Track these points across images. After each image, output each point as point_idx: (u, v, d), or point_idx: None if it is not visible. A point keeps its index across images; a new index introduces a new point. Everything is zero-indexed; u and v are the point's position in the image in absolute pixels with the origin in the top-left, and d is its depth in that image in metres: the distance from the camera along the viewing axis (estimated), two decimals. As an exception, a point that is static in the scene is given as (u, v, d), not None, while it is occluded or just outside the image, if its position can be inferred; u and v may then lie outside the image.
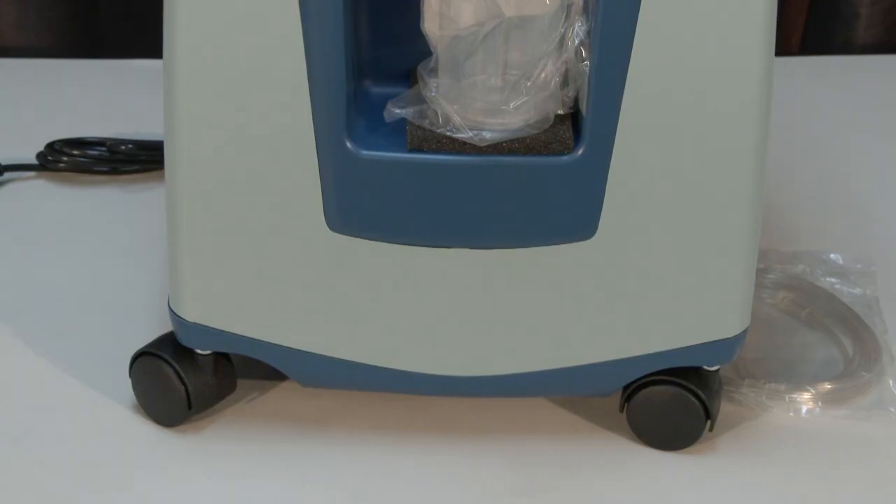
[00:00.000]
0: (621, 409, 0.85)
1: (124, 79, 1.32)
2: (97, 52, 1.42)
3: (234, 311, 0.82)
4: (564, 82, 0.77)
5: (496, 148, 0.77)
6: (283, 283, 0.81)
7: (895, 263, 1.04)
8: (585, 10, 0.76)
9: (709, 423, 0.84)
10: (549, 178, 0.77)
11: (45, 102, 1.28)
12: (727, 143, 0.77)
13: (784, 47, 1.46)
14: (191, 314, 0.83)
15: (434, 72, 0.78)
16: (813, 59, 1.41)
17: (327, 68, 0.75)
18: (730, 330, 0.82)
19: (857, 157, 1.21)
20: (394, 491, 0.82)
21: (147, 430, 0.86)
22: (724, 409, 0.87)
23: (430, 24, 0.77)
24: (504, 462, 0.84)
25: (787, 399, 0.88)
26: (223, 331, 0.83)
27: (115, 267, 1.03)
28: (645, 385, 0.84)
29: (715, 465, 0.84)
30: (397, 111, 0.78)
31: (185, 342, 0.84)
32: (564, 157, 0.77)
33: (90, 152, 1.15)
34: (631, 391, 0.84)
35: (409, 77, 0.82)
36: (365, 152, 0.77)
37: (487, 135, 0.77)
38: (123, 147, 1.14)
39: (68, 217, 1.10)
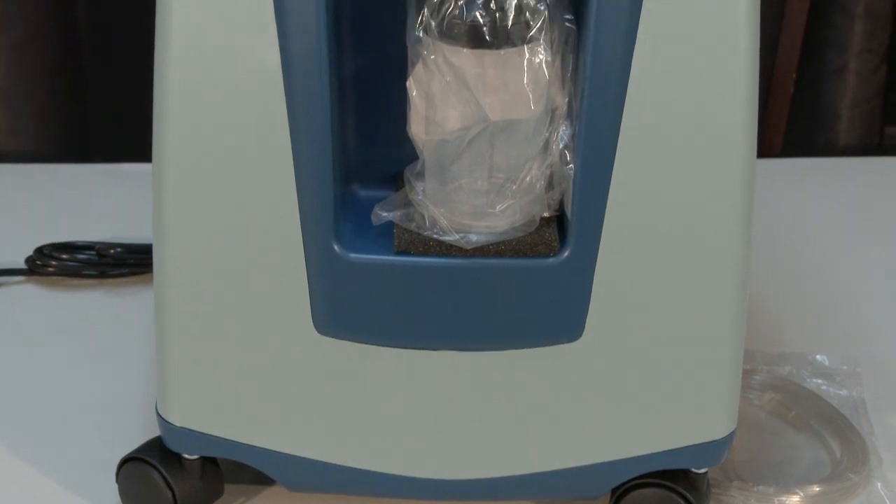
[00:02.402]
0: (610, 512, 0.85)
1: (114, 183, 1.33)
2: (87, 156, 1.43)
3: (222, 415, 0.82)
4: (549, 185, 0.78)
5: (482, 250, 0.77)
6: (271, 386, 0.81)
7: (881, 364, 1.04)
8: (569, 114, 0.77)
9: (698, 525, 0.84)
10: (536, 281, 0.78)
11: (34, 207, 1.28)
12: (711, 245, 0.78)
13: (766, 149, 1.48)
14: (178, 419, 0.83)
15: (420, 175, 0.78)
16: (795, 160, 1.43)
17: (315, 172, 0.76)
18: (717, 432, 0.82)
19: (841, 258, 1.22)
20: None
21: (133, 535, 0.86)
22: (713, 511, 0.86)
23: (417, 129, 0.78)
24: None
25: (775, 502, 0.88)
26: (211, 435, 0.83)
27: (103, 371, 1.03)
28: (633, 488, 0.83)
29: (705, 568, 0.84)
30: (384, 214, 0.79)
31: (173, 447, 0.84)
32: (550, 260, 0.78)
33: (79, 256, 1.15)
34: (619, 494, 0.84)
35: (395, 180, 0.83)
36: (353, 255, 0.78)
37: (474, 237, 0.77)
38: (112, 251, 1.15)
39: (56, 321, 1.10)
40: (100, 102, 1.46)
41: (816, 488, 0.89)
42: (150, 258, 0.80)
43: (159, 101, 0.76)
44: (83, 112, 1.46)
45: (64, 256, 1.15)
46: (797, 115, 1.49)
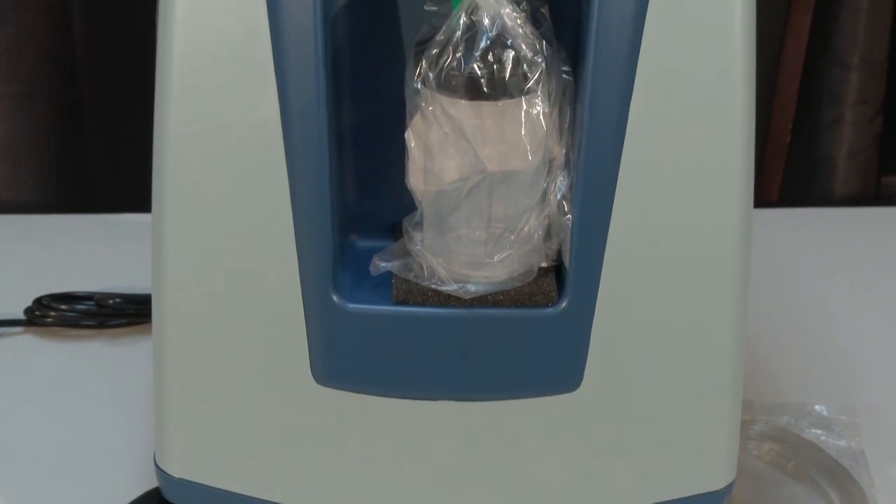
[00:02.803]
0: (609, 563, 0.84)
1: (113, 233, 1.33)
2: (87, 206, 1.43)
3: (220, 466, 0.82)
4: (547, 235, 0.78)
5: (481, 300, 0.78)
6: (270, 437, 0.81)
7: (880, 415, 1.04)
8: (567, 165, 0.77)
9: (697, 576, 0.83)
10: (534, 331, 0.78)
11: (34, 257, 1.28)
12: (709, 295, 0.78)
13: (763, 198, 1.48)
14: (177, 470, 0.82)
15: (419, 226, 0.79)
16: (792, 210, 1.43)
17: (314, 223, 0.76)
18: (716, 482, 0.82)
19: (839, 307, 1.22)
20: None
21: (130, 587, 0.85)
22: (713, 561, 0.86)
23: (415, 180, 0.78)
24: None
25: (775, 552, 0.88)
26: (210, 486, 0.82)
27: (102, 421, 1.02)
28: (632, 538, 0.83)
29: None
30: (383, 264, 0.79)
31: (171, 498, 0.84)
32: (548, 310, 0.78)
33: (78, 307, 1.15)
34: (618, 544, 0.84)
35: (394, 231, 0.83)
36: (351, 305, 0.78)
37: (472, 287, 0.77)
38: (111, 301, 1.15)
39: (55, 372, 1.10)
40: (100, 153, 1.47)
41: (816, 539, 0.89)
42: (149, 308, 0.80)
43: (159, 152, 0.76)
44: (83, 163, 1.47)
45: (63, 307, 1.15)
46: (794, 165, 1.50)
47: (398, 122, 0.78)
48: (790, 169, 1.50)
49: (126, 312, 1.15)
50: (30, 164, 1.43)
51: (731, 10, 0.74)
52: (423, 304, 0.78)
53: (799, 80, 1.46)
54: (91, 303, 1.15)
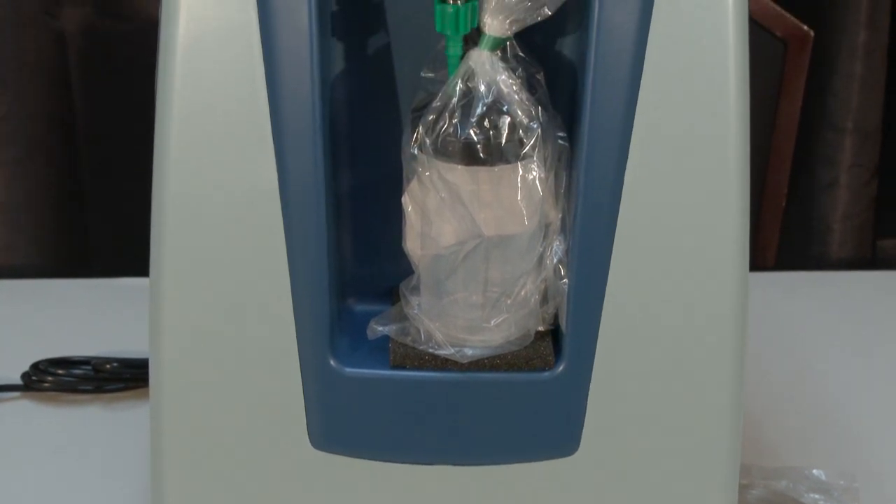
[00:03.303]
0: None
1: (110, 297, 1.33)
2: (85, 270, 1.44)
3: (216, 530, 0.82)
4: (544, 299, 0.79)
5: (478, 364, 0.78)
6: (267, 501, 0.80)
7: (878, 479, 1.04)
8: (563, 229, 0.78)
9: None
10: (531, 395, 0.78)
11: (31, 322, 1.28)
12: (706, 359, 0.78)
13: (760, 262, 1.49)
14: (172, 534, 0.82)
15: (416, 290, 0.79)
16: (788, 274, 1.43)
17: (311, 287, 0.76)
18: (714, 546, 0.82)
19: (836, 371, 1.22)
20: None
21: None
22: None
23: (412, 244, 0.78)
24: None
25: None
26: (205, 551, 0.82)
27: (99, 486, 1.02)
28: None
29: None
30: (380, 329, 0.79)
31: (167, 563, 0.83)
32: (545, 374, 0.78)
33: (75, 371, 1.15)
34: None
35: (391, 295, 0.83)
36: (348, 370, 0.78)
37: (469, 352, 0.77)
38: (108, 365, 1.15)
39: (52, 437, 1.09)
40: (98, 217, 1.48)
41: None
42: (147, 373, 0.80)
43: (158, 217, 0.77)
44: (81, 227, 1.47)
45: (60, 372, 1.15)
46: (790, 228, 1.50)
47: (395, 186, 0.78)
48: (786, 232, 1.50)
49: (123, 377, 1.15)
50: (28, 228, 1.43)
51: (726, 75, 0.75)
52: (420, 369, 0.78)
53: (794, 143, 1.46)
54: (88, 367, 1.15)
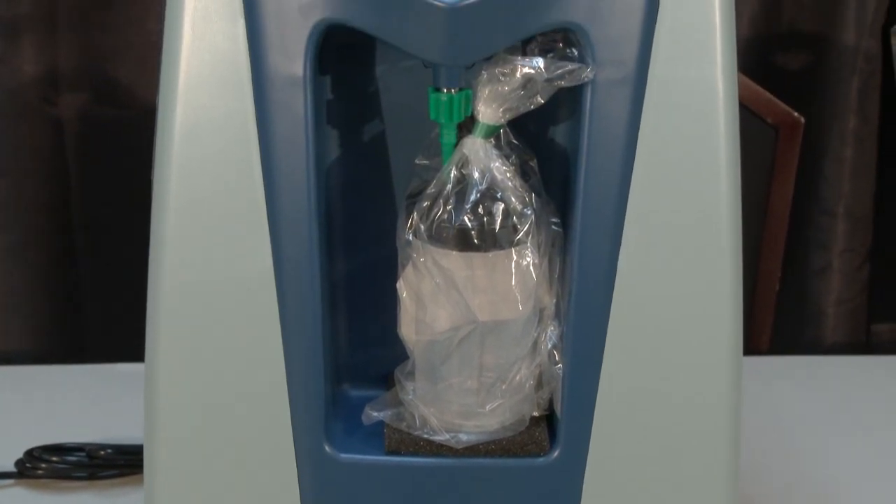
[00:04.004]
0: None
1: (105, 383, 1.32)
2: (80, 356, 1.43)
3: None
4: (539, 384, 0.79)
5: (473, 450, 0.78)
6: (259, 589, 0.80)
7: (875, 563, 1.03)
8: (557, 314, 0.78)
9: None
10: (526, 480, 0.78)
11: (26, 409, 1.28)
12: (700, 444, 0.78)
13: (753, 347, 1.49)
14: None
15: (411, 375, 0.79)
16: (782, 358, 1.43)
17: (306, 373, 0.77)
18: None
19: (830, 456, 1.21)
20: None
21: None
22: None
23: (407, 329, 0.79)
24: None
25: None
26: None
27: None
28: None
29: None
30: (375, 414, 0.79)
31: None
32: (540, 459, 0.78)
33: (69, 458, 1.14)
34: None
35: (386, 380, 0.83)
36: (343, 455, 0.78)
37: (464, 437, 0.77)
38: (102, 452, 1.14)
39: (44, 524, 1.09)
40: (93, 302, 1.48)
41: None
42: (141, 459, 0.80)
43: (153, 302, 0.77)
44: (76, 312, 1.47)
45: (54, 459, 1.14)
46: (783, 313, 1.51)
47: (390, 272, 0.79)
48: (780, 317, 1.50)
49: (118, 464, 1.14)
50: (23, 314, 1.43)
51: (717, 162, 0.76)
52: (415, 454, 0.78)
53: (786, 228, 1.47)
54: (83, 454, 1.15)
